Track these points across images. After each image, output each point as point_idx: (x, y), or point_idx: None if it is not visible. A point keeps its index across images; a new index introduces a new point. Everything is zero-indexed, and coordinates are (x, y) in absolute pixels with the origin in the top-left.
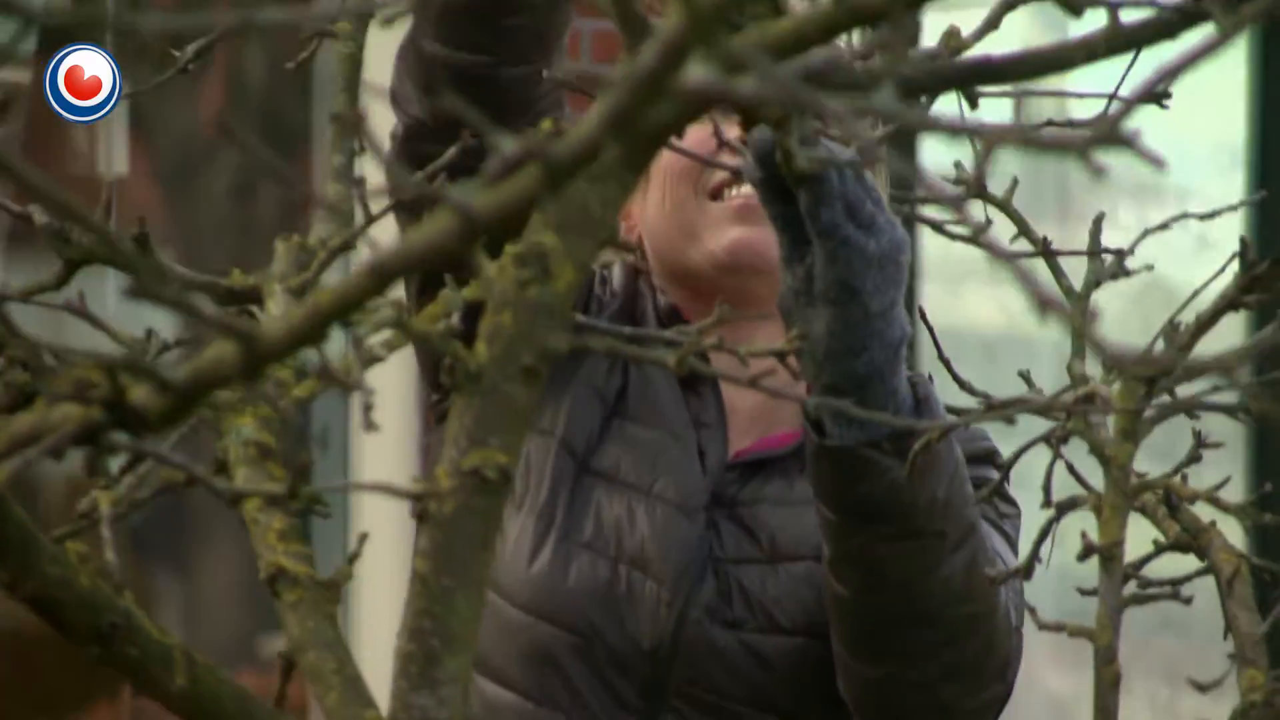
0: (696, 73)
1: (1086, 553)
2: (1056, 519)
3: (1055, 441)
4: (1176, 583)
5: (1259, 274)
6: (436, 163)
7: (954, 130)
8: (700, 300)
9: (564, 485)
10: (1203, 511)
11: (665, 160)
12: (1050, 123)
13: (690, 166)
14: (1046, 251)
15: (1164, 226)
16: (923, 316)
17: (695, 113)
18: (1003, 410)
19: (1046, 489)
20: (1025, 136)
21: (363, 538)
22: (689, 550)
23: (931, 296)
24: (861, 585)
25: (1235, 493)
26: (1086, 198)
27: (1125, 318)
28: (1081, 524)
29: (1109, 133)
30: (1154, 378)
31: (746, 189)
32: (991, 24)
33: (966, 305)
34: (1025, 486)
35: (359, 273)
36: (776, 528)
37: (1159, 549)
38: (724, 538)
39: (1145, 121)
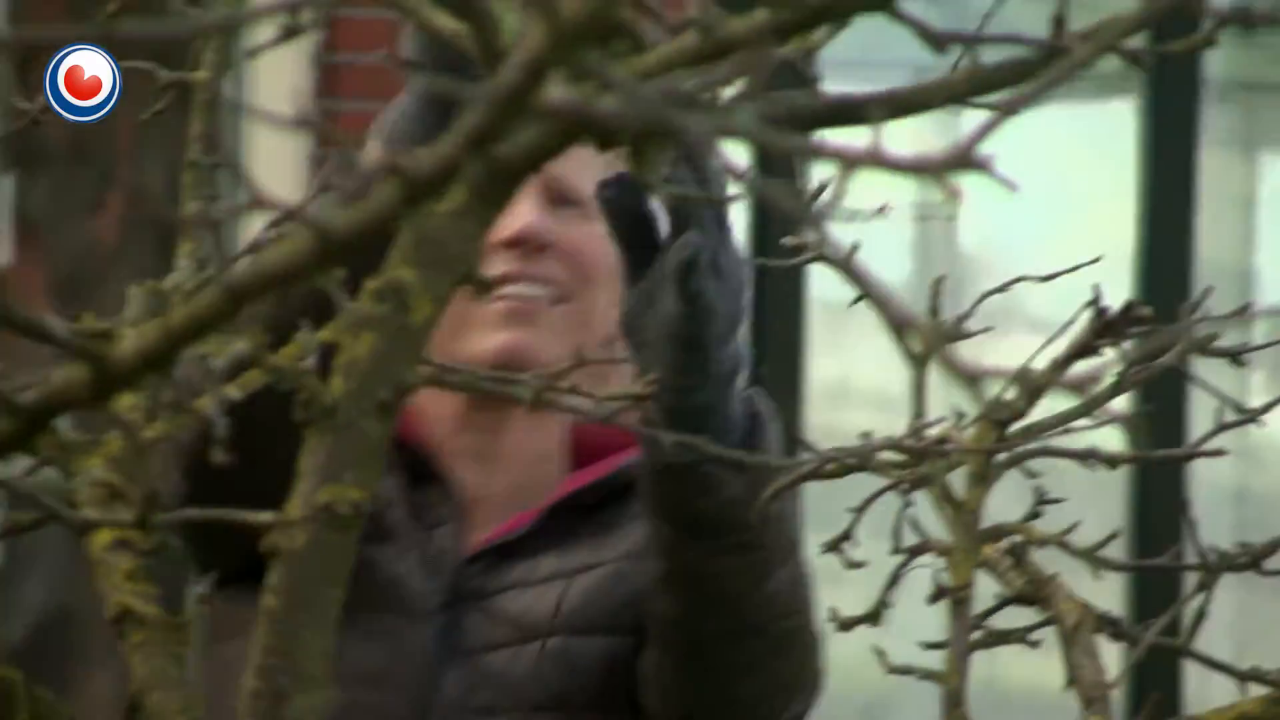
0: (558, 92)
1: (936, 596)
2: (905, 564)
3: (906, 487)
4: (1027, 630)
5: (1111, 320)
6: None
7: (813, 153)
8: (472, 395)
9: None
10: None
11: None
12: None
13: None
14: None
15: (1002, 289)
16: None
17: (556, 144)
18: (853, 457)
19: (896, 534)
20: (883, 160)
21: (213, 582)
22: (420, 656)
23: (819, 341)
24: (694, 600)
25: (1117, 543)
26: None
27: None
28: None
29: (964, 156)
30: (1006, 421)
31: (516, 289)
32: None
33: (855, 354)
34: (875, 535)
35: (212, 292)
36: (523, 610)
37: (1003, 602)
38: (469, 629)
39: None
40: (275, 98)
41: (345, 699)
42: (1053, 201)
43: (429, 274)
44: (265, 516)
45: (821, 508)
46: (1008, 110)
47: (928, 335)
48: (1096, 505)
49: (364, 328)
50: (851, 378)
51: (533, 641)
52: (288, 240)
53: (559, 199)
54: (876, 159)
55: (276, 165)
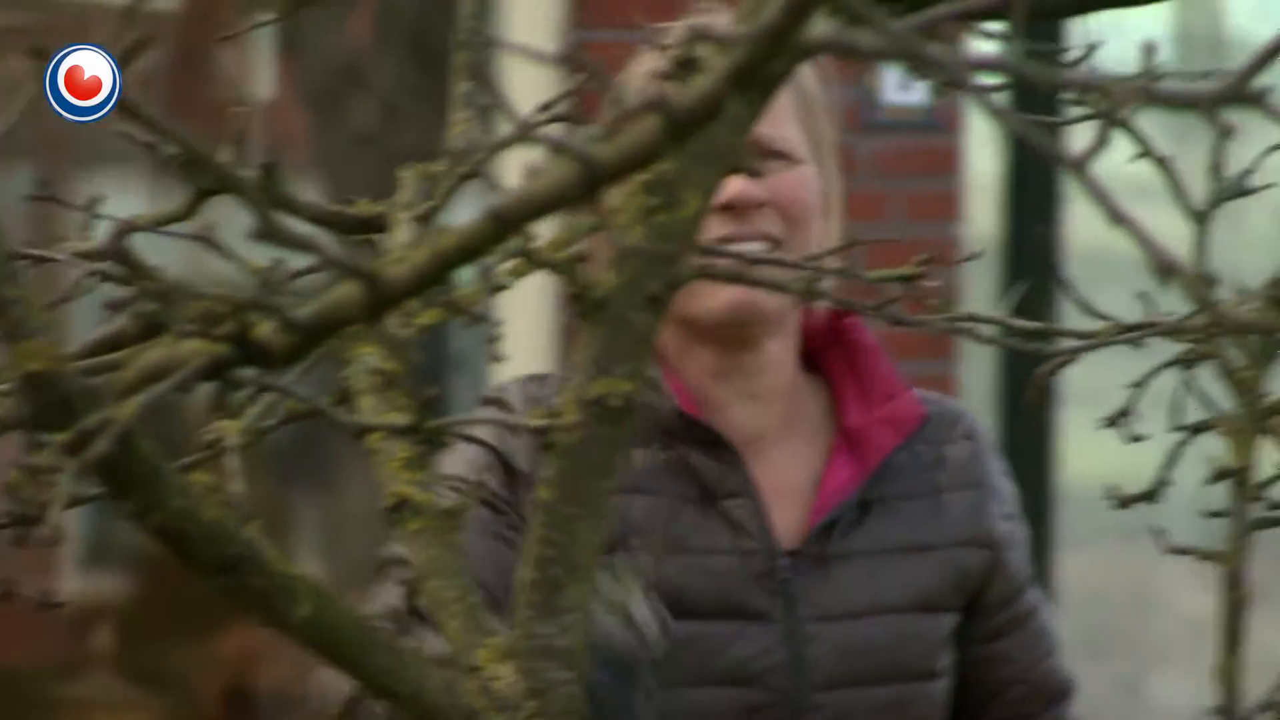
0: (819, 27)
1: (1218, 476)
2: (1185, 440)
3: (1185, 365)
4: None
5: None
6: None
7: (1082, 86)
8: (699, 340)
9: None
10: None
11: None
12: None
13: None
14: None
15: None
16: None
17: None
18: (1134, 334)
19: (1176, 412)
20: (1151, 92)
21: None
22: (778, 645)
23: (1081, 215)
24: None
25: None
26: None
27: (1275, 238)
28: (1210, 447)
29: (1237, 89)
30: None
31: (737, 248)
32: None
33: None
34: (1155, 407)
35: (480, 218)
36: (870, 579)
37: None
38: (820, 599)
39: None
40: (528, 29)
41: (722, 697)
42: None
43: (697, 166)
44: (539, 417)
45: (1098, 382)
46: None
47: (1191, 281)
48: None
49: (635, 220)
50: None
51: (886, 615)
52: (553, 170)
53: (763, 153)
54: (1146, 93)
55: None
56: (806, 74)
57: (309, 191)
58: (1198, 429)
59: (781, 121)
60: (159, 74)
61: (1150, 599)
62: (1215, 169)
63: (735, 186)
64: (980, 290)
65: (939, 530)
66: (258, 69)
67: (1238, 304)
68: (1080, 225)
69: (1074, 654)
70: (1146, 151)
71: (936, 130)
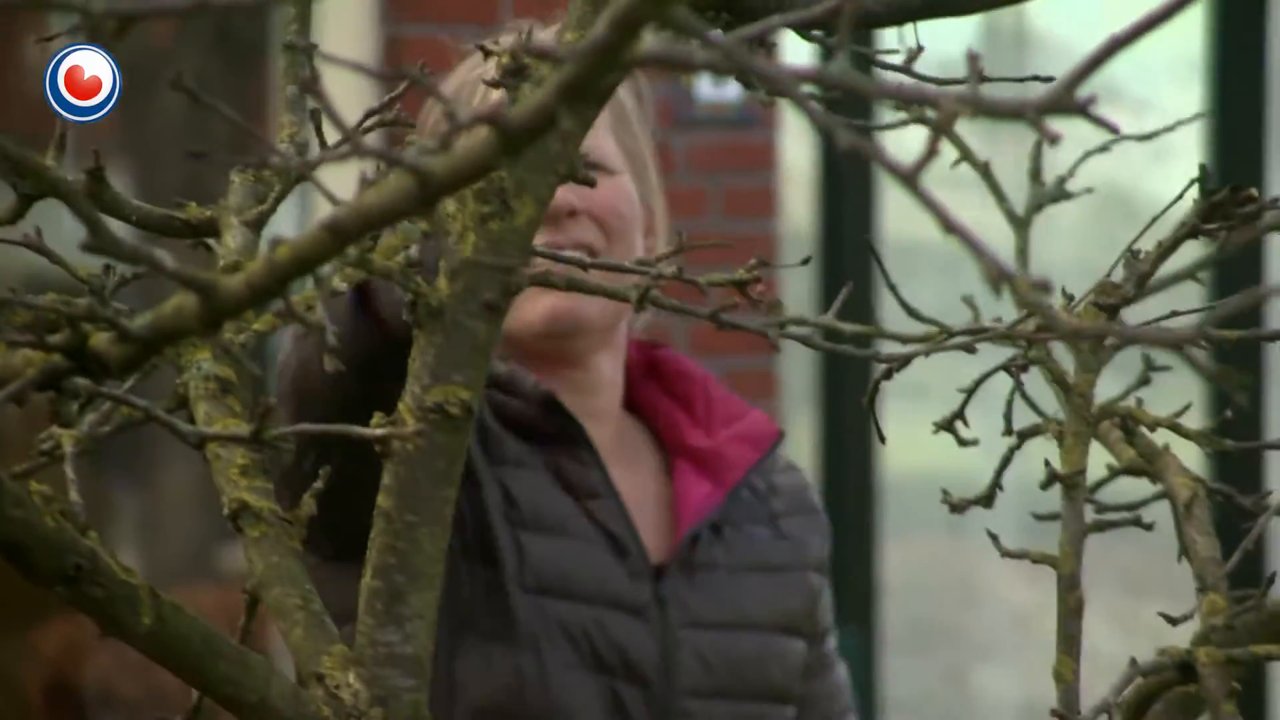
0: (649, 42)
1: (1050, 480)
2: (1017, 446)
3: (1016, 370)
4: (1135, 507)
5: (1218, 201)
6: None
7: (909, 98)
8: (529, 361)
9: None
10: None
11: None
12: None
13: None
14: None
15: (1104, 149)
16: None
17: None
18: (964, 339)
19: (1008, 417)
20: (976, 102)
21: (328, 475)
22: (647, 642)
23: (894, 207)
24: None
25: (1194, 419)
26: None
27: (1084, 230)
28: (1043, 451)
29: (1062, 99)
30: (1116, 306)
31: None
32: None
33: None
34: (987, 412)
35: (316, 231)
36: (734, 594)
37: (1114, 473)
38: (685, 606)
39: (1106, 32)
40: (342, 24)
41: (594, 685)
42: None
43: (530, 174)
44: (378, 426)
45: (936, 386)
46: (1108, 51)
47: (1023, 289)
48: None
49: (469, 229)
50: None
51: (751, 631)
52: (388, 183)
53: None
54: (973, 104)
55: (345, 92)
56: (627, 93)
57: (119, 185)
58: (1027, 434)
59: (595, 132)
60: None
61: (975, 592)
62: (1035, 174)
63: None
64: (798, 285)
65: (787, 553)
66: None
67: (1067, 309)
68: (891, 217)
69: (900, 647)
70: (967, 157)
71: (752, 125)
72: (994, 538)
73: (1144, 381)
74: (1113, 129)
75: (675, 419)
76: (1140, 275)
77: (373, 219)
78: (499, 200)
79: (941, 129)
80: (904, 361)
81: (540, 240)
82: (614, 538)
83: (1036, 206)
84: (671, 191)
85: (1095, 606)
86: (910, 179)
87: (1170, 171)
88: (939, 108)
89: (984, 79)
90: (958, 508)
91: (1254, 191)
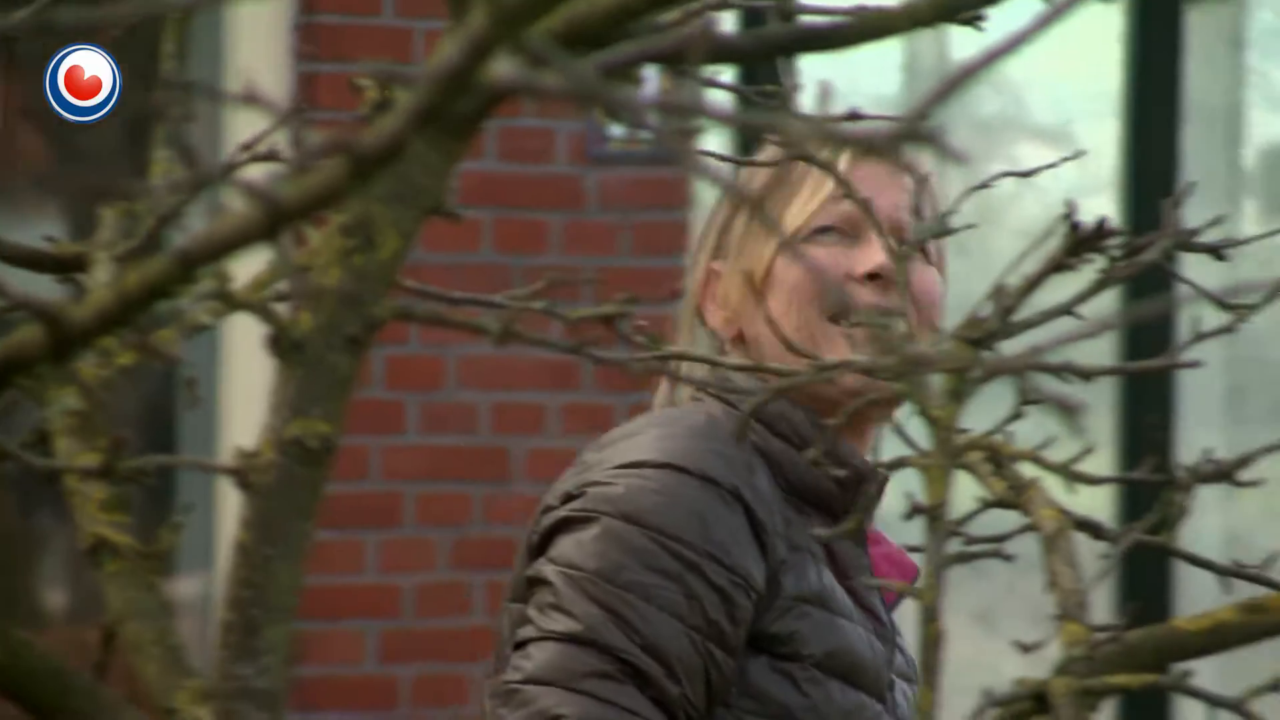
0: (502, 68)
1: (912, 512)
2: (885, 478)
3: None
4: (1000, 539)
5: (1085, 236)
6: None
7: (759, 127)
8: (820, 412)
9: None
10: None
11: (795, 279)
12: (855, 116)
13: (818, 292)
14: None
15: (984, 185)
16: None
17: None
18: (831, 371)
19: (875, 449)
20: (829, 133)
21: (186, 508)
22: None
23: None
24: None
25: (1101, 459)
26: (958, 136)
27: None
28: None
29: (912, 129)
30: (981, 339)
31: (876, 318)
32: None
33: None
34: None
35: (164, 258)
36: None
37: (982, 506)
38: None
39: (1022, 64)
40: (255, 60)
41: None
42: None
43: (395, 208)
44: (235, 459)
45: None
46: (967, 73)
47: (867, 319)
48: (1089, 414)
49: (333, 262)
50: None
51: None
52: (237, 212)
53: (907, 239)
54: (827, 133)
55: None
56: (937, 194)
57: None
58: (894, 466)
59: (934, 222)
60: None
61: None
62: (915, 210)
63: (883, 256)
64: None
65: (912, 666)
66: None
67: (932, 342)
68: None
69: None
70: (849, 194)
71: (665, 162)
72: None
73: (1015, 415)
74: (960, 157)
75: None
76: (1004, 309)
77: (222, 245)
78: (363, 234)
79: (820, 160)
80: (772, 394)
81: (872, 299)
82: (875, 621)
83: (917, 240)
84: (583, 227)
85: (1001, 636)
86: (757, 207)
87: (1093, 204)
88: (791, 137)
89: (856, 116)
90: (823, 539)
91: (1117, 226)
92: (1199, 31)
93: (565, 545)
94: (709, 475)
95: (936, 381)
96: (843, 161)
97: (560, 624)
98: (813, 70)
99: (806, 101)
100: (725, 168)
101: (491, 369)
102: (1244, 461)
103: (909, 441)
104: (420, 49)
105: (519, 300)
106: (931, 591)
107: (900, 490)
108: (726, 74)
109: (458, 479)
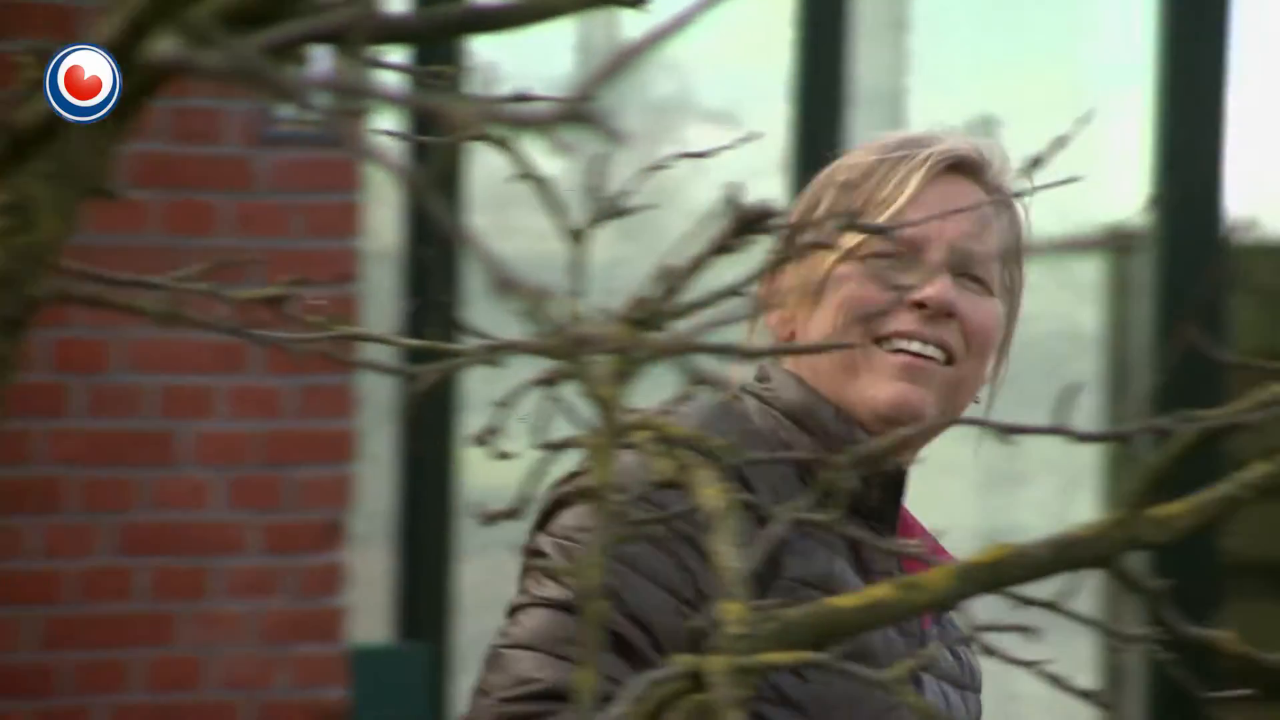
0: (162, 46)
1: (582, 494)
2: (550, 459)
3: (548, 383)
4: (665, 519)
5: (747, 218)
6: None
7: (428, 109)
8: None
9: None
10: None
11: (843, 294)
12: (524, 98)
13: (868, 308)
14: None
15: (659, 167)
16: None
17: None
18: (498, 352)
19: (539, 430)
20: (491, 114)
21: None
22: None
23: (482, 225)
24: None
25: None
26: (629, 118)
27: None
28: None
29: (574, 110)
30: (646, 320)
31: (915, 345)
32: None
33: (514, 231)
34: (519, 427)
35: None
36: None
37: (650, 486)
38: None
39: (693, 47)
40: None
41: None
42: None
43: (55, 188)
44: None
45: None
46: (631, 54)
47: (530, 299)
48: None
49: None
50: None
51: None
52: None
53: (964, 273)
54: (491, 114)
55: None
56: (1021, 218)
57: None
58: (558, 446)
59: (988, 252)
60: None
61: None
62: (593, 189)
63: (934, 289)
64: (383, 303)
65: (967, 675)
66: None
67: (599, 323)
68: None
69: (473, 661)
70: (527, 173)
71: (334, 144)
72: (516, 548)
73: (685, 396)
74: (621, 137)
75: (907, 518)
76: (669, 290)
77: None
78: (21, 215)
79: (498, 139)
80: (443, 372)
81: (910, 327)
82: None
83: (593, 221)
84: (254, 208)
85: None
86: (419, 187)
87: (764, 187)
88: (452, 118)
89: (525, 97)
90: (489, 519)
91: (779, 209)
92: (865, 15)
93: (564, 518)
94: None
95: (604, 362)
96: (921, 178)
97: (550, 590)
98: (485, 51)
99: (479, 83)
100: (395, 149)
101: (159, 352)
102: (903, 440)
103: (577, 422)
104: (83, 22)
105: (183, 282)
106: (595, 570)
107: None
108: (398, 55)
109: (123, 463)
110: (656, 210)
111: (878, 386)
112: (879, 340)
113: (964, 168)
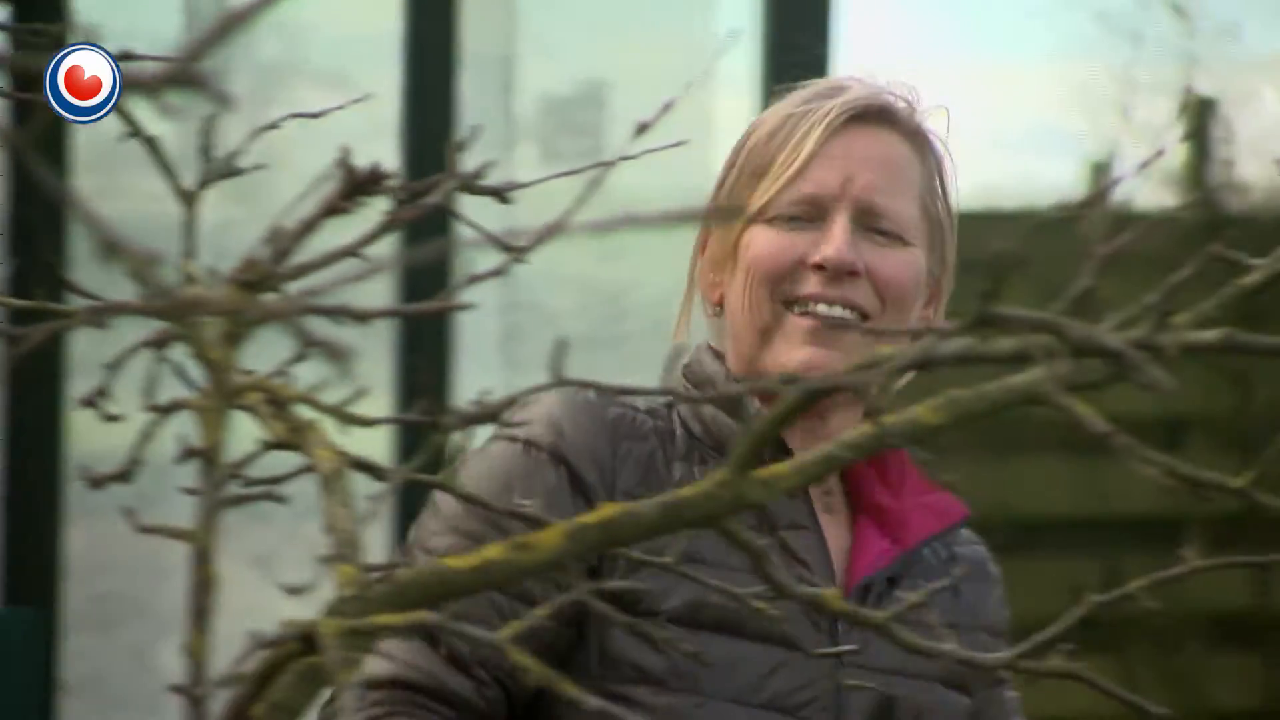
0: None
1: (187, 454)
2: (158, 421)
3: (158, 345)
4: (275, 481)
5: (359, 180)
6: None
7: (27, 69)
8: (766, 400)
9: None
10: None
11: (750, 258)
12: (129, 56)
13: (771, 272)
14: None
15: (270, 127)
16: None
17: None
18: (103, 313)
19: (149, 392)
20: (130, 79)
21: None
22: (830, 680)
23: (88, 186)
24: None
25: (379, 401)
26: (239, 80)
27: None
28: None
29: (182, 71)
30: (256, 282)
31: (822, 308)
32: None
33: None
34: (128, 389)
35: None
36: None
37: (262, 447)
38: (877, 651)
39: (303, 9)
40: None
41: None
42: None
43: None
44: None
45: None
46: (241, 16)
47: (136, 262)
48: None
49: None
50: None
51: (918, 679)
52: None
53: (872, 227)
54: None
55: None
56: (943, 157)
57: None
58: (168, 409)
59: (903, 199)
60: None
61: (162, 568)
62: (205, 150)
63: (831, 249)
64: None
65: (959, 612)
66: None
67: (209, 285)
68: (140, 198)
69: (82, 625)
70: (136, 132)
71: None
72: (129, 512)
73: (299, 358)
74: (227, 100)
75: (868, 477)
76: (279, 252)
77: None
78: None
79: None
80: (48, 337)
81: (813, 290)
82: (799, 570)
83: (204, 182)
84: None
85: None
86: (20, 147)
87: (376, 150)
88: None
89: (130, 56)
90: (96, 483)
91: (392, 170)
92: None
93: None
94: (531, 440)
95: (214, 325)
96: (820, 135)
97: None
98: (90, 10)
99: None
100: None
101: None
102: (511, 402)
103: (187, 383)
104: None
105: None
106: (204, 534)
107: (175, 434)
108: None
109: None
110: (267, 172)
111: (789, 352)
112: (790, 304)
113: (869, 117)
